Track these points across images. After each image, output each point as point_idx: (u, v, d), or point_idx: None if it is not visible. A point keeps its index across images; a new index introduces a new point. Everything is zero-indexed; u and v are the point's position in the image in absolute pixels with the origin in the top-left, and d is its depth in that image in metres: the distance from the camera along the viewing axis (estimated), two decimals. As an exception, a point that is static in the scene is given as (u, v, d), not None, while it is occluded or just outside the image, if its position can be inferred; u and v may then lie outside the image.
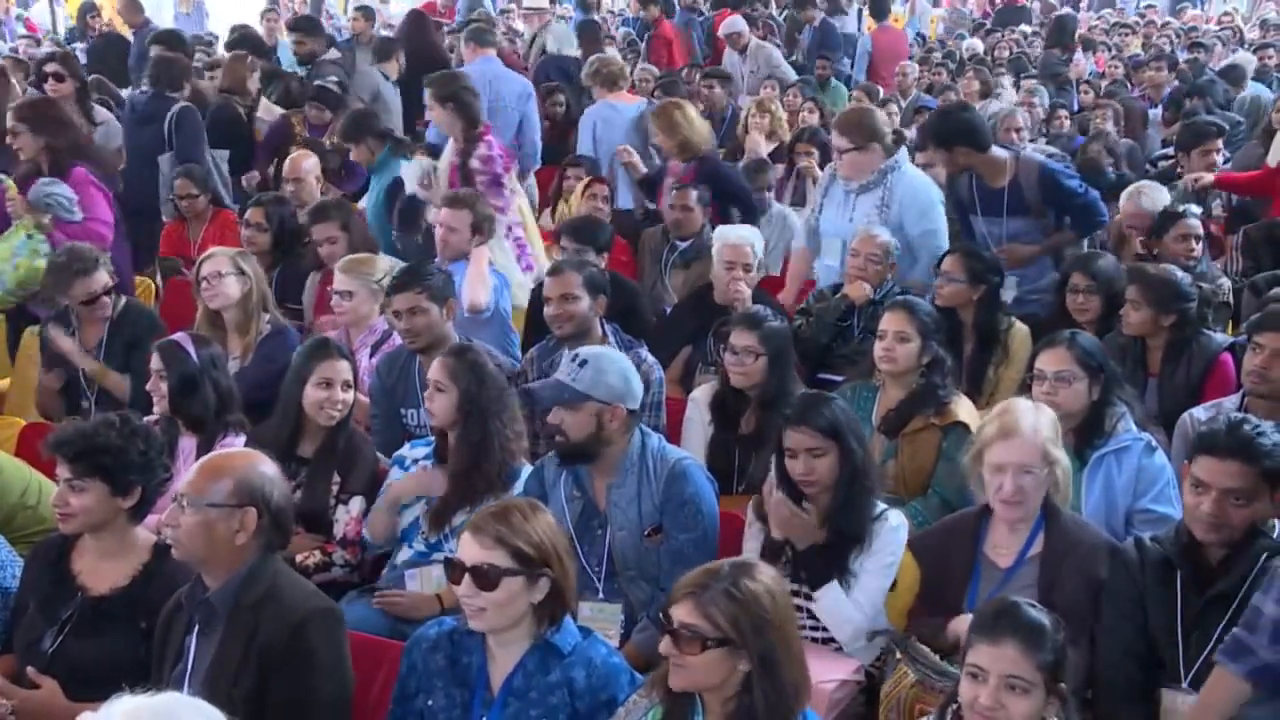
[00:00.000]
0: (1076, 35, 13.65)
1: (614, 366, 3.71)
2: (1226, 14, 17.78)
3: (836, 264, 5.62)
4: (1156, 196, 6.06)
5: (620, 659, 2.92)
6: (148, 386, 4.32)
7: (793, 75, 10.70)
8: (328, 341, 4.31)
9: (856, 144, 5.51)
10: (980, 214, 5.66)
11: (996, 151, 5.68)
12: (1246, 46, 13.95)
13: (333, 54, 9.54)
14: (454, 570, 2.79)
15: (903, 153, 5.74)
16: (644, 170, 7.21)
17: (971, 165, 5.61)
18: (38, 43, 12.96)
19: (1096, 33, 16.18)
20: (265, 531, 2.95)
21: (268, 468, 3.03)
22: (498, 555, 2.74)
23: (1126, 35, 15.76)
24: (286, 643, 2.85)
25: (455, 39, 11.63)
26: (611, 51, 10.82)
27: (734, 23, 11.21)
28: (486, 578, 2.73)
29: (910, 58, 12.28)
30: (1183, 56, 12.22)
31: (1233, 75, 10.66)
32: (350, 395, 4.17)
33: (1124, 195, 6.23)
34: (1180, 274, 4.78)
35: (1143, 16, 17.62)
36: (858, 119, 5.65)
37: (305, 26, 9.90)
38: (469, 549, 2.78)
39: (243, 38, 9.62)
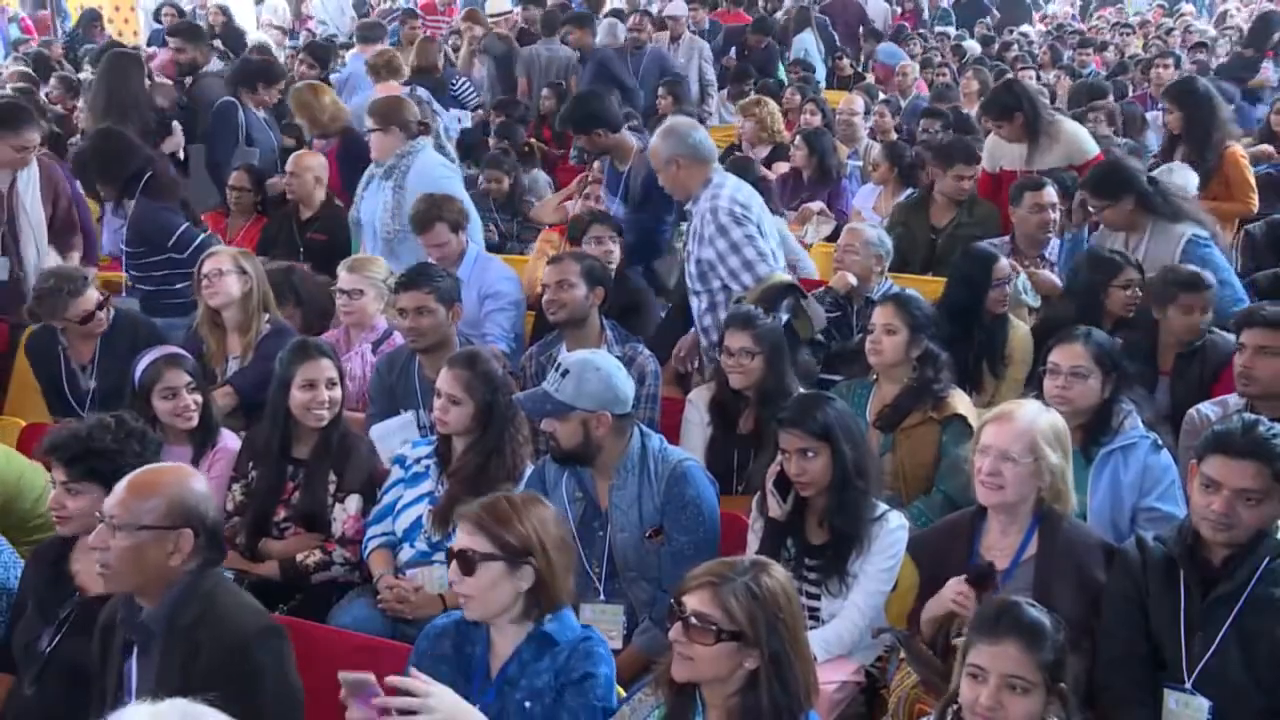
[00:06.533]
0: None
1: (596, 374, 3.67)
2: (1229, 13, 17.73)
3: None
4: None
5: (604, 644, 2.90)
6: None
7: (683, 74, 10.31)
8: (306, 343, 4.27)
9: (379, 126, 5.81)
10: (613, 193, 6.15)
11: (627, 135, 6.16)
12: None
13: (215, 65, 8.91)
14: (449, 557, 2.85)
15: (422, 141, 5.93)
16: None
17: (607, 147, 6.13)
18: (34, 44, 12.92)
19: (1097, 33, 16.16)
20: (201, 551, 2.85)
21: (199, 484, 2.94)
22: (478, 540, 2.80)
23: (1127, 35, 15.71)
24: (231, 664, 2.73)
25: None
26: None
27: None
28: (466, 561, 2.78)
29: (912, 57, 12.17)
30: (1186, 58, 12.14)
31: None
32: (337, 392, 4.14)
33: None
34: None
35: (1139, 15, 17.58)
36: (384, 104, 5.98)
37: (185, 32, 8.96)
38: (459, 536, 2.86)
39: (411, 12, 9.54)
